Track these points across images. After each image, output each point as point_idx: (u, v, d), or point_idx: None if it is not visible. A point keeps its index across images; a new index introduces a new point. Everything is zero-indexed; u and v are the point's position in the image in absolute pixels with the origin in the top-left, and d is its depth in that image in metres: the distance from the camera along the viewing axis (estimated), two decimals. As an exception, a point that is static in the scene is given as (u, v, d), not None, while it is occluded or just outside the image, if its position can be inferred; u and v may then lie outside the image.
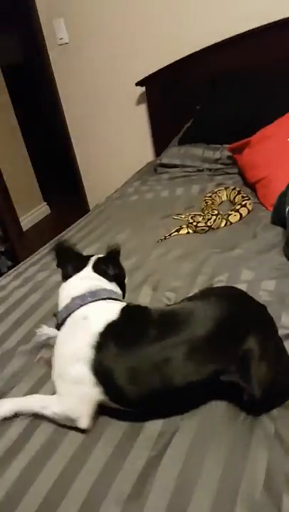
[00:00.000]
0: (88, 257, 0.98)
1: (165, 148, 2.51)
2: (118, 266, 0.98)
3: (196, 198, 1.86)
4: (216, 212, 1.56)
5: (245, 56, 2.27)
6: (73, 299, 0.86)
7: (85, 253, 1.51)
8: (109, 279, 0.94)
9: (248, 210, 1.61)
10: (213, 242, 1.44)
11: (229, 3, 2.28)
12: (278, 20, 2.13)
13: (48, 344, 0.98)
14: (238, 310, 0.82)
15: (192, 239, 1.51)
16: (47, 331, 0.97)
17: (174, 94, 2.61)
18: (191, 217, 1.58)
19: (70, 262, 0.95)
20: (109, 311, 0.83)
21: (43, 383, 0.93)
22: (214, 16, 2.33)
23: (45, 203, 4.02)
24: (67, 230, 1.91)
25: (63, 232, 1.90)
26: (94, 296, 0.86)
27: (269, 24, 2.15)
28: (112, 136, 3.09)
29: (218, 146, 2.11)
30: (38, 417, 0.84)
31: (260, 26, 2.18)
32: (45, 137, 3.99)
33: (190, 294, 1.05)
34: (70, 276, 0.93)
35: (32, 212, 3.83)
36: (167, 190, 2.01)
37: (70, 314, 0.84)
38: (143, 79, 2.64)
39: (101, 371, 0.76)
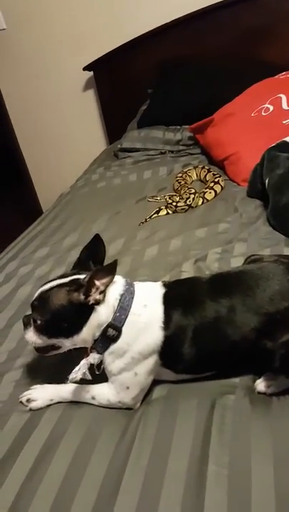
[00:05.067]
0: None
1: (118, 134, 2.49)
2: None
3: (166, 179, 1.87)
4: (192, 190, 1.58)
5: (193, 39, 2.30)
6: (122, 296, 0.79)
7: (65, 243, 1.52)
8: None
9: (221, 186, 1.65)
10: (196, 220, 1.47)
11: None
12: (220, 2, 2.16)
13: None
14: None
15: (173, 219, 1.52)
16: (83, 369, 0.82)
17: (123, 78, 2.58)
18: (169, 198, 1.58)
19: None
20: (157, 292, 0.83)
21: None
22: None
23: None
24: (37, 223, 1.84)
25: (34, 224, 1.84)
26: (132, 286, 0.82)
27: (217, 4, 2.17)
28: (61, 126, 2.99)
29: (178, 127, 2.13)
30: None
31: (207, 6, 2.21)
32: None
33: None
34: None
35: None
36: (134, 174, 2.00)
37: (126, 313, 0.79)
38: (90, 63, 2.58)
39: (168, 346, 0.79)
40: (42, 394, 0.85)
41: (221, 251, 1.22)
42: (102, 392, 0.83)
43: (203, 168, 1.78)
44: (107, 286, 0.77)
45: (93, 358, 0.79)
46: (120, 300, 0.78)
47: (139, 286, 0.83)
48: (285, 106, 1.70)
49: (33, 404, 0.84)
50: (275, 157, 1.38)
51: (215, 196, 1.61)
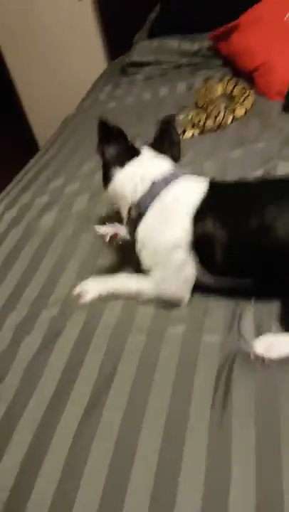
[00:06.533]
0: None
1: (120, 48, 2.24)
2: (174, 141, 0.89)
3: (186, 96, 1.69)
4: (222, 107, 1.42)
5: None
6: (154, 183, 0.80)
7: (83, 171, 1.40)
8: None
9: (252, 101, 1.48)
10: (229, 140, 1.33)
11: None
12: None
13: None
14: None
15: (202, 140, 1.37)
16: (106, 229, 0.96)
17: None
18: (196, 115, 1.43)
19: (119, 145, 0.83)
20: (198, 187, 0.78)
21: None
22: None
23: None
24: (44, 151, 1.68)
25: (40, 152, 1.68)
26: (176, 175, 0.81)
27: None
28: (53, 39, 2.67)
29: (196, 35, 1.89)
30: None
31: None
32: None
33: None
34: (123, 162, 0.83)
35: None
36: (148, 91, 1.81)
37: (154, 200, 0.79)
38: None
39: (201, 246, 0.75)
40: (93, 286, 0.86)
41: (263, 172, 1.11)
42: (144, 287, 0.82)
43: (230, 80, 1.59)
44: None
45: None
46: (151, 184, 0.80)
47: (185, 182, 0.81)
48: None
49: (85, 297, 0.85)
50: None
51: (245, 113, 1.45)
